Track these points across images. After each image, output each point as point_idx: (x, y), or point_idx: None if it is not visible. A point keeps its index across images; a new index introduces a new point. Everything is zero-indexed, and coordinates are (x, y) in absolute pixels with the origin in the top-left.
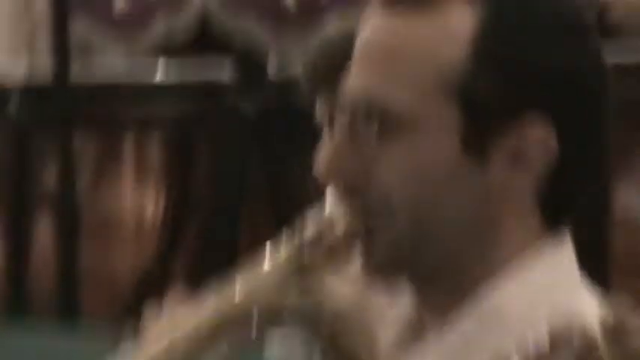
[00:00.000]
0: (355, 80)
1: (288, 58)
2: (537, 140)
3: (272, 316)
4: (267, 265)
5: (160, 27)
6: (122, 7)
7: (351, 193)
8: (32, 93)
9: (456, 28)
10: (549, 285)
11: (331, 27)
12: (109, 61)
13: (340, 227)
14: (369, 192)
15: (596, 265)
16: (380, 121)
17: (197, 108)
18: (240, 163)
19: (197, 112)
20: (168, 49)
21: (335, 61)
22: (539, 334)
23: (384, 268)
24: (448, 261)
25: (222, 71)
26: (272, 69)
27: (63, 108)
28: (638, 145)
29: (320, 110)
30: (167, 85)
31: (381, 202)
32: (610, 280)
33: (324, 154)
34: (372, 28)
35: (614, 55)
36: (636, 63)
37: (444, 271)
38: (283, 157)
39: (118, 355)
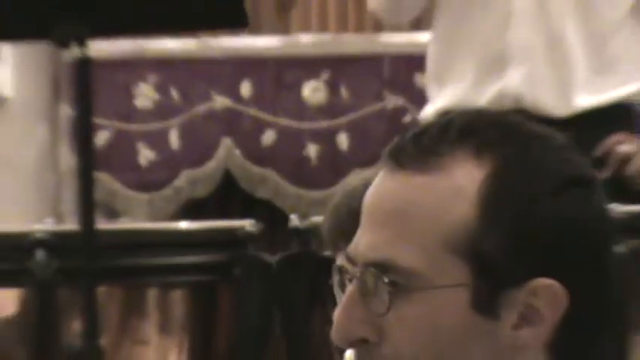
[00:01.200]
0: (364, 237)
1: (311, 209)
2: (548, 296)
3: None
4: None
5: (184, 177)
6: (150, 159)
7: (364, 351)
8: (58, 244)
9: (463, 186)
10: None
11: (354, 178)
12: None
13: None
14: (381, 347)
15: None
16: (390, 277)
17: (222, 260)
18: (261, 314)
19: (222, 264)
20: (193, 199)
21: (358, 214)
22: None
23: None
24: None
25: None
26: (295, 219)
27: (89, 265)
28: None
29: (340, 266)
30: (195, 236)
31: (394, 358)
32: None
33: (340, 314)
34: (379, 186)
35: None
36: None
37: None
38: (304, 308)
39: None
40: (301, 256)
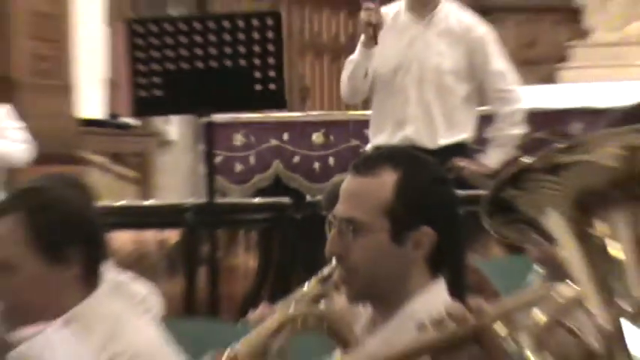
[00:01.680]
0: (340, 206)
1: (316, 193)
2: (427, 235)
3: (307, 316)
4: (306, 290)
5: (258, 176)
6: (240, 169)
7: (339, 260)
8: (198, 208)
9: (386, 182)
10: (431, 301)
11: (335, 180)
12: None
13: (338, 274)
14: (347, 261)
15: (459, 292)
16: (352, 225)
17: (277, 217)
18: (292, 245)
19: (276, 219)
20: (263, 187)
21: (336, 195)
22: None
23: (356, 299)
24: (385, 295)
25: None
26: (309, 197)
27: (212, 218)
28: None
29: (330, 218)
30: (263, 204)
31: (352, 267)
32: (465, 297)
33: (329, 241)
34: (347, 182)
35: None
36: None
37: (384, 299)
38: (314, 241)
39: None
40: (312, 215)
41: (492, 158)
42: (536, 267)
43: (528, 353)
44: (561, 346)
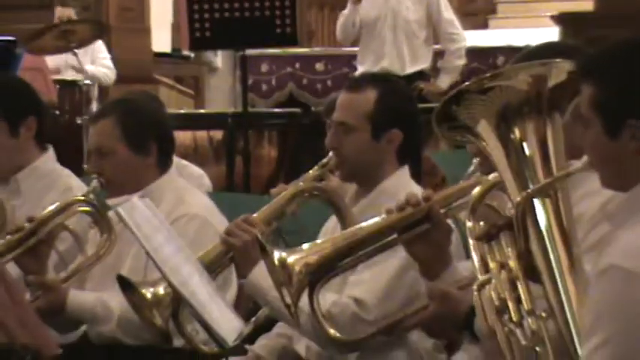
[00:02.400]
0: (336, 113)
1: (319, 105)
2: (397, 135)
3: (312, 190)
4: (311, 173)
5: (278, 93)
6: (265, 88)
7: (336, 152)
8: (236, 115)
9: (369, 97)
10: (398, 182)
11: (331, 96)
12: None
13: (333, 162)
14: (341, 152)
15: (417, 175)
16: (344, 127)
17: (291, 121)
18: (302, 141)
19: (290, 123)
20: (281, 101)
21: (333, 107)
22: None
23: (346, 179)
24: (366, 176)
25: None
26: (313, 108)
27: (245, 122)
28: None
29: (328, 123)
30: (281, 112)
31: (344, 157)
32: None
33: (328, 138)
34: (342, 96)
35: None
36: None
37: (365, 180)
38: (317, 138)
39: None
40: (315, 121)
41: (443, 81)
42: (474, 159)
43: (466, 221)
44: (488, 214)
